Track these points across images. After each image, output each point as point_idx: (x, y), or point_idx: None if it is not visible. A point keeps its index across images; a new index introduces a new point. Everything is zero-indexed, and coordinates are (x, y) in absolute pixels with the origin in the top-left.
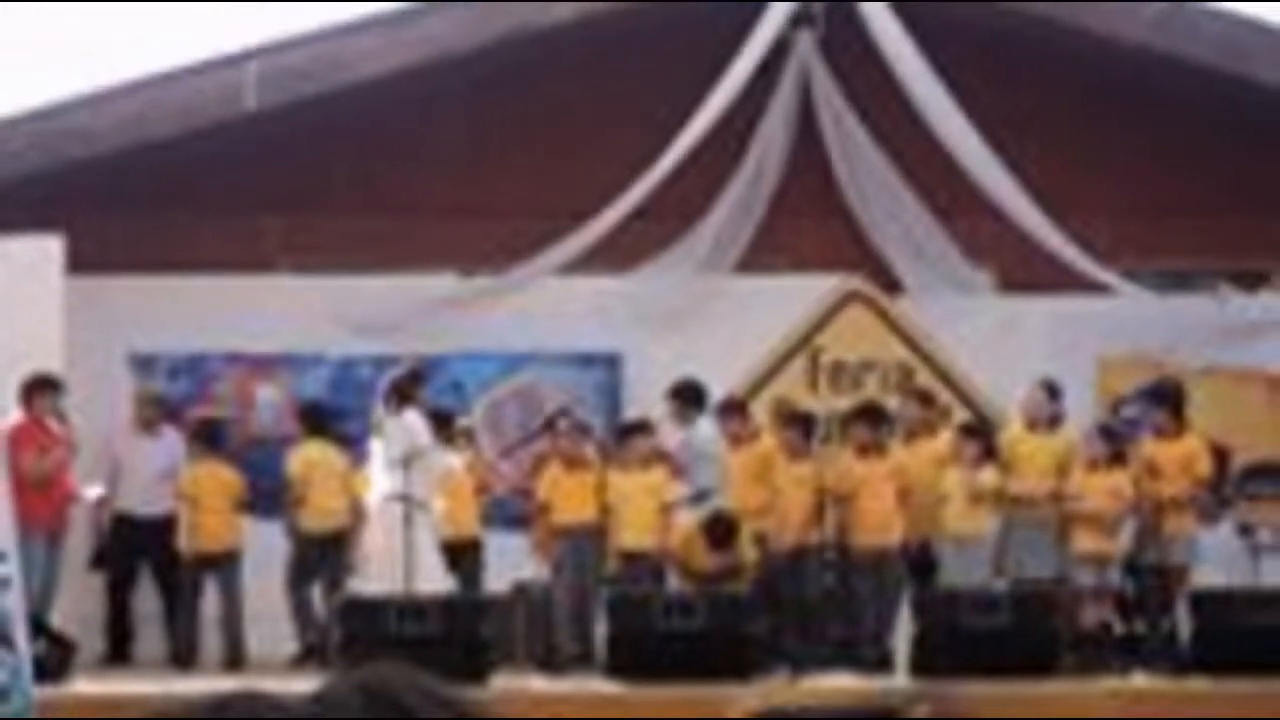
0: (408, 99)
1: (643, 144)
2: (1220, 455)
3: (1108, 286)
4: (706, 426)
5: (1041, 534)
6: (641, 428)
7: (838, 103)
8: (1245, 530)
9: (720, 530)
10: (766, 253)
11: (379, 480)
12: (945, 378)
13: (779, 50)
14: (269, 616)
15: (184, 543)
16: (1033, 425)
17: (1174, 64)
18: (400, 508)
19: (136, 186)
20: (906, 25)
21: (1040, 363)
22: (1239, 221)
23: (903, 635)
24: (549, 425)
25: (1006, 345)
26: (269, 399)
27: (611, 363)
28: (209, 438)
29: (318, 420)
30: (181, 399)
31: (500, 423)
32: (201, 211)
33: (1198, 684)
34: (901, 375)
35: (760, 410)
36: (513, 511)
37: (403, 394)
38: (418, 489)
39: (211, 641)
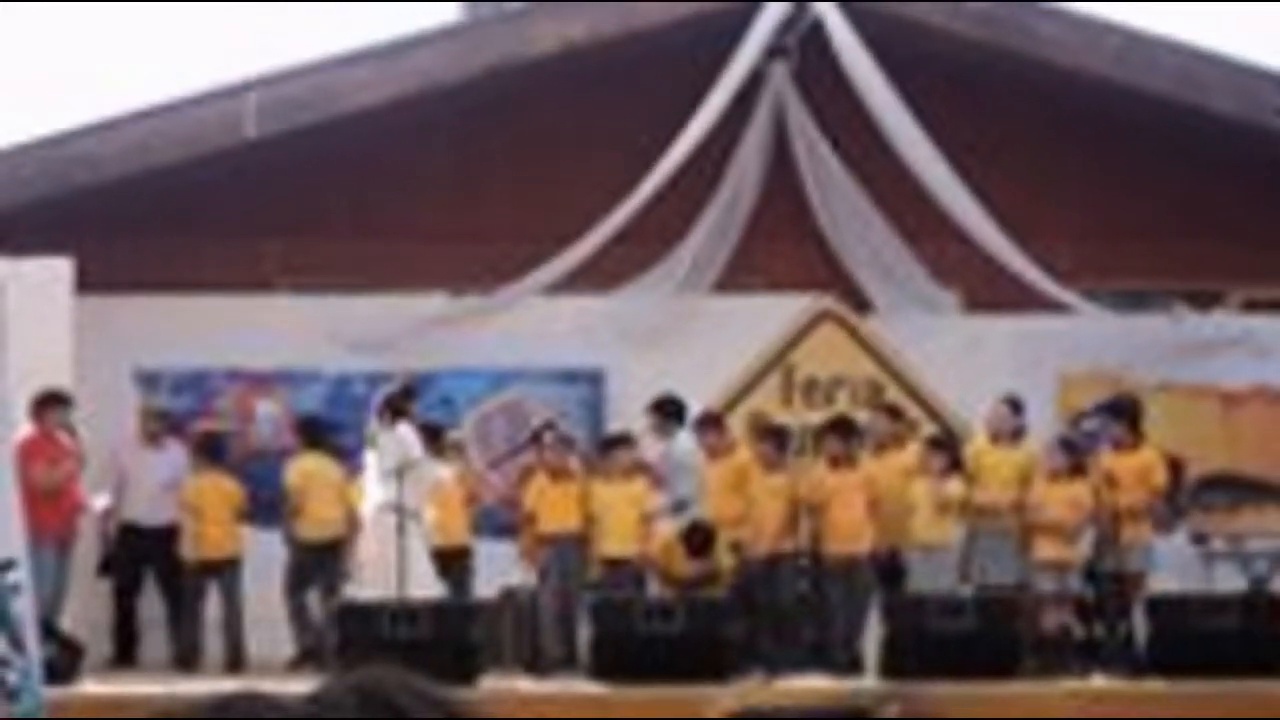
0: (399, 128)
1: (624, 171)
2: (1175, 467)
3: (1068, 306)
4: (685, 439)
5: (1004, 542)
6: (623, 441)
7: (811, 131)
8: (1199, 539)
9: (698, 538)
10: (742, 274)
11: (373, 491)
12: (913, 393)
13: (755, 81)
14: (268, 621)
15: (187, 550)
16: (996, 438)
17: (1133, 95)
18: (393, 517)
19: (142, 211)
20: (877, 58)
21: (1004, 379)
22: (1193, 244)
23: (872, 639)
24: (535, 438)
25: (972, 362)
26: (268, 413)
27: (594, 379)
28: (211, 450)
29: (314, 434)
30: (184, 413)
31: (488, 436)
32: (203, 235)
33: (1154, 685)
34: (871, 391)
35: (736, 424)
36: (500, 521)
37: (395, 409)
38: (410, 499)
39: (213, 645)
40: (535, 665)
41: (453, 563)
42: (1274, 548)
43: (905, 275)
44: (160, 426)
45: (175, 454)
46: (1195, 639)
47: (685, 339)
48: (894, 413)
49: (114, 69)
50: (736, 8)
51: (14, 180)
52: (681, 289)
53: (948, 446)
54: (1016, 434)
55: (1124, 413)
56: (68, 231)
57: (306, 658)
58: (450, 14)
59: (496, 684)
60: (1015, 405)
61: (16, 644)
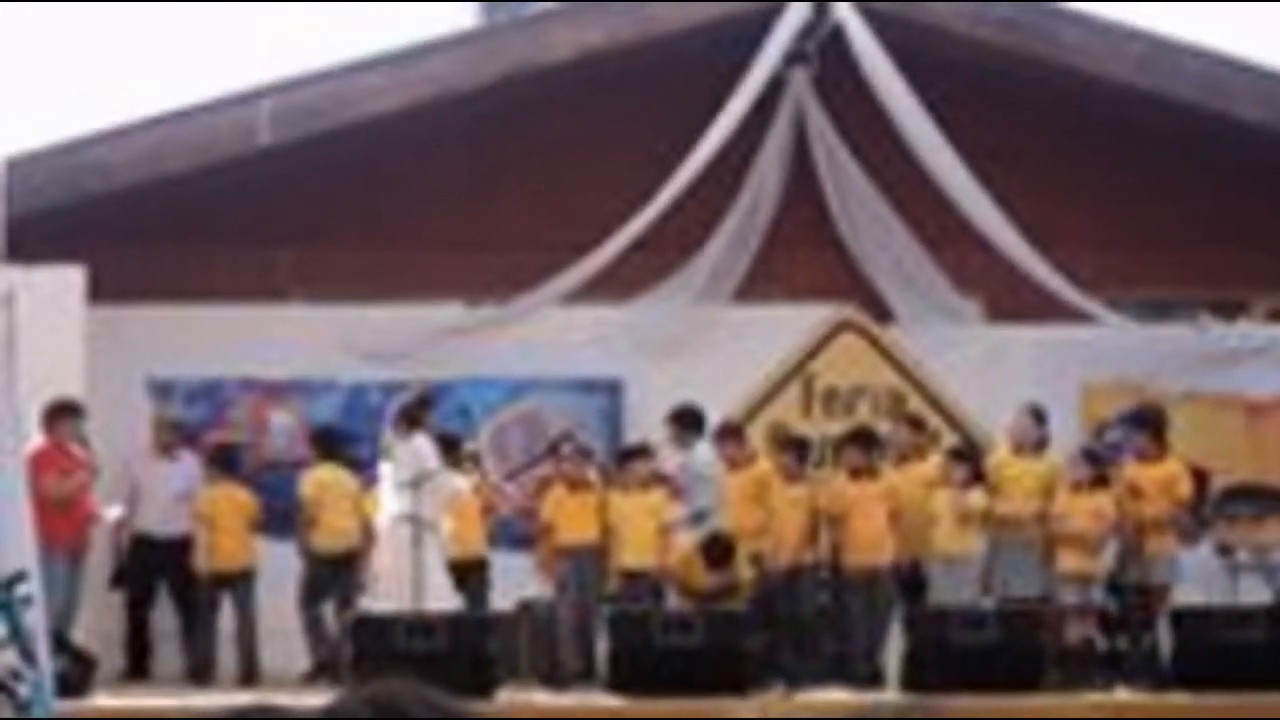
0: (413, 135)
1: (641, 178)
2: (1200, 478)
3: (1092, 316)
4: (704, 450)
5: (1027, 554)
6: (641, 451)
7: (831, 138)
8: (1224, 550)
9: (717, 550)
10: (762, 283)
11: (388, 502)
12: (935, 403)
13: (774, 87)
14: (282, 633)
15: (201, 562)
16: (1019, 449)
17: (1157, 102)
18: (409, 528)
19: (154, 219)
20: (898, 64)
21: (1026, 389)
22: (1218, 253)
23: (894, 651)
24: (552, 449)
25: (994, 372)
26: (282, 424)
27: (612, 389)
28: (225, 461)
29: (329, 444)
30: (198, 424)
31: (505, 447)
32: (216, 243)
33: (1178, 698)
34: (892, 401)
35: (756, 434)
36: (517, 532)
37: (411, 419)
38: (426, 510)
39: (227, 657)
40: (552, 678)
41: (469, 574)
42: None
43: (926, 284)
44: (174, 437)
45: (189, 465)
46: (1220, 651)
47: (704, 349)
48: (915, 423)
49: (126, 76)
50: (755, 13)
51: (26, 188)
52: (700, 298)
53: (970, 457)
54: (1039, 445)
55: (1148, 423)
56: (80, 240)
57: (321, 670)
58: (465, 20)
59: (513, 697)
60: (1038, 415)
61: (28, 656)
